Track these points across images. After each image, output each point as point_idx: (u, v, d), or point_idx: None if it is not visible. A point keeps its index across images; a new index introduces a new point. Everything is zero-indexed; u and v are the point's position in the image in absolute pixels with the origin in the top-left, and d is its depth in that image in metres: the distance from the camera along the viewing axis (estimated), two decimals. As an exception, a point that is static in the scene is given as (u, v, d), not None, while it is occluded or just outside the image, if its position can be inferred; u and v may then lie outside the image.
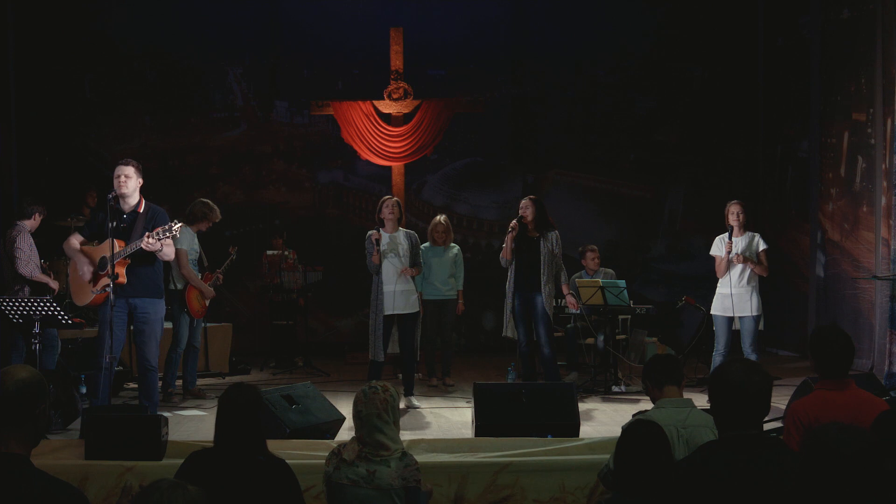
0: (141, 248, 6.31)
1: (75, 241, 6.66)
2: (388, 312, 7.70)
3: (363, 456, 3.86)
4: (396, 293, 7.72)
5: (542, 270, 7.93)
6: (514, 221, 7.99)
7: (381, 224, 7.85)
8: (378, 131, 10.31)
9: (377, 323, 7.70)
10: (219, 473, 3.43)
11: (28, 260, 7.76)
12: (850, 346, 4.02)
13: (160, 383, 7.96)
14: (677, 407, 3.96)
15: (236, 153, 12.06)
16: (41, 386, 2.82)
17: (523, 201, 8.18)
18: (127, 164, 6.56)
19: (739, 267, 7.93)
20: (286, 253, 10.45)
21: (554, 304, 8.24)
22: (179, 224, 6.46)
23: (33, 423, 2.79)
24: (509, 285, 8.03)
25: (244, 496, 3.40)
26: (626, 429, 3.34)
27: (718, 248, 8.07)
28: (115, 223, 6.44)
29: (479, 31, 11.93)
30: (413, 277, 7.88)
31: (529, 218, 8.01)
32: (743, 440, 3.02)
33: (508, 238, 7.96)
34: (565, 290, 8.26)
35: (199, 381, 8.63)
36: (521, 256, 7.98)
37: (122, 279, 6.39)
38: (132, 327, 6.70)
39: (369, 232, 7.84)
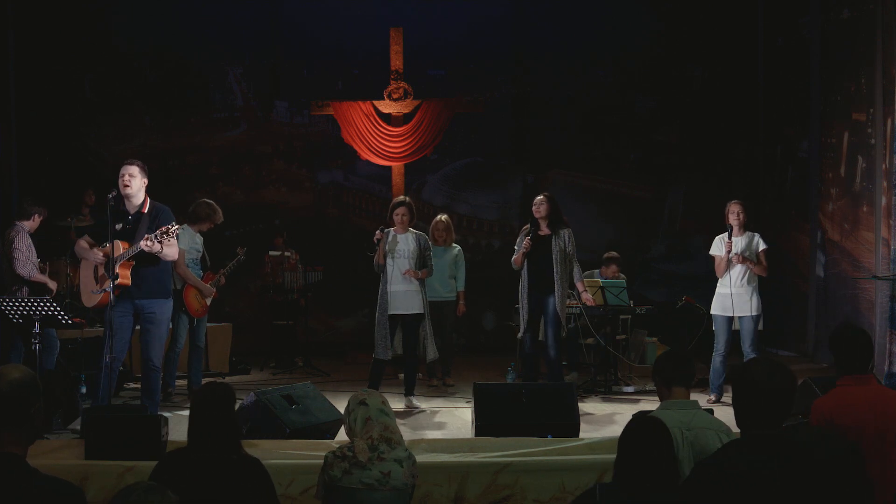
0: (141, 250, 6.30)
1: (84, 243, 6.66)
2: (390, 312, 7.71)
3: (375, 454, 3.83)
4: (399, 293, 7.71)
5: (554, 269, 7.87)
6: (527, 241, 7.87)
7: (392, 224, 7.85)
8: (378, 131, 10.31)
9: (381, 322, 7.71)
10: (193, 473, 3.42)
11: (26, 260, 7.76)
12: (870, 343, 4.12)
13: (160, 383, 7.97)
14: (682, 409, 3.94)
15: (236, 153, 12.06)
16: (34, 385, 2.82)
17: (538, 198, 8.09)
18: (132, 164, 6.56)
19: (739, 267, 7.94)
20: (287, 254, 10.44)
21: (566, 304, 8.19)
22: (178, 227, 6.47)
23: (29, 422, 2.79)
24: (522, 285, 7.99)
25: (218, 495, 3.39)
26: (629, 425, 3.33)
27: (718, 247, 8.08)
28: (120, 224, 6.44)
29: (479, 31, 11.93)
30: (420, 279, 7.82)
31: (543, 215, 7.97)
32: (765, 440, 3.01)
33: (521, 252, 7.89)
34: (580, 287, 8.20)
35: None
36: (533, 256, 7.93)
37: (126, 280, 6.37)
38: (138, 327, 6.69)
39: (377, 230, 7.85)
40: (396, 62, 10.30)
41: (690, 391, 4.17)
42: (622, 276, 9.44)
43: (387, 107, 10.34)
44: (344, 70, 11.82)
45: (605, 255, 9.70)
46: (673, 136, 12.19)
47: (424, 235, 8.02)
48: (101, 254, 6.49)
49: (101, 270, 6.53)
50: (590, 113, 12.10)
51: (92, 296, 6.59)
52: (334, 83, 11.81)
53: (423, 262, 7.84)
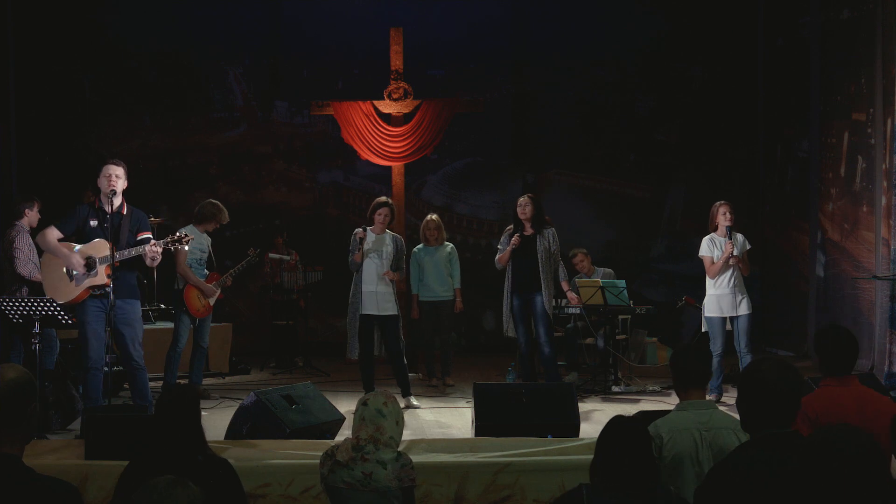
0: (143, 252, 6.32)
1: (53, 235, 6.51)
2: (365, 312, 7.70)
3: (359, 454, 3.82)
4: (374, 294, 7.71)
5: (540, 269, 7.91)
6: (517, 237, 7.93)
7: (371, 223, 7.86)
8: (378, 131, 10.31)
9: (353, 321, 7.71)
10: (158, 474, 3.42)
11: (27, 260, 7.75)
12: (853, 344, 4.10)
13: (161, 383, 7.98)
14: (699, 409, 3.91)
15: (236, 153, 12.06)
16: (30, 385, 2.81)
17: (522, 199, 8.15)
18: (118, 165, 6.54)
19: (732, 267, 7.96)
20: (286, 257, 10.43)
21: (554, 303, 8.23)
22: (191, 237, 6.51)
23: (25, 422, 2.78)
24: (507, 285, 8.03)
25: None
26: (608, 426, 3.31)
27: (709, 248, 8.06)
28: (96, 222, 6.44)
29: (479, 31, 11.93)
30: (393, 281, 7.84)
31: (529, 216, 8.01)
32: (778, 439, 3.00)
33: (509, 249, 7.93)
34: (565, 286, 8.24)
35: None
36: (518, 256, 7.97)
37: (108, 280, 6.37)
38: (110, 328, 6.64)
39: (356, 230, 7.84)
40: (396, 62, 10.30)
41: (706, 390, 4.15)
42: (606, 269, 9.48)
43: (387, 107, 10.34)
44: (344, 70, 11.82)
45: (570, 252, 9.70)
46: (673, 136, 12.19)
47: (400, 237, 8.03)
48: (82, 260, 6.43)
49: (79, 269, 6.47)
50: (590, 113, 12.09)
51: (66, 291, 6.49)
52: (334, 83, 11.81)
53: (397, 264, 7.85)
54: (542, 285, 7.91)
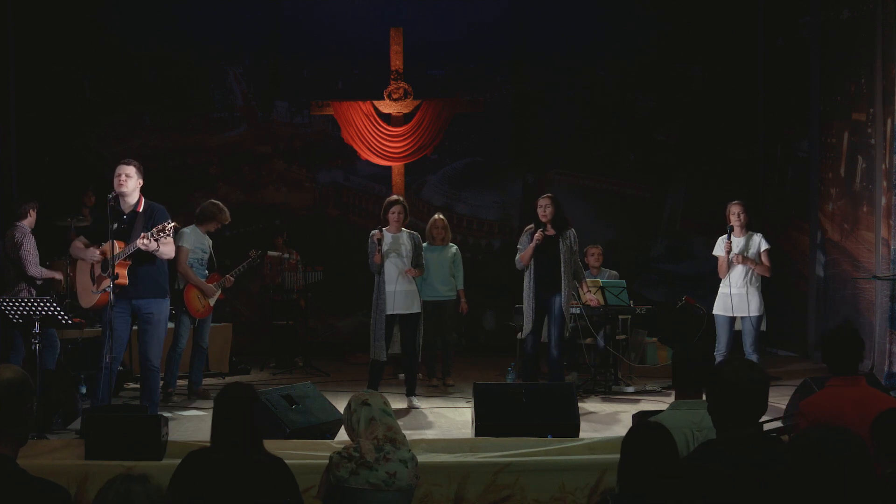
0: (138, 248, 6.30)
1: (80, 244, 6.68)
2: (389, 312, 7.69)
3: (381, 454, 3.82)
4: (398, 293, 7.70)
5: (562, 270, 7.84)
6: (540, 232, 7.85)
7: (385, 223, 7.84)
8: (378, 131, 10.31)
9: (378, 322, 7.69)
10: (216, 473, 3.42)
11: (35, 262, 7.79)
12: (859, 344, 4.13)
13: (161, 383, 7.97)
14: (692, 409, 3.91)
15: (236, 153, 12.06)
16: (27, 386, 2.80)
17: (542, 200, 8.01)
18: (128, 164, 6.56)
19: (741, 267, 7.95)
20: (286, 255, 10.43)
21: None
22: (173, 224, 6.48)
23: (20, 424, 2.77)
24: (528, 285, 7.93)
25: (241, 495, 3.39)
26: (632, 431, 3.30)
27: (720, 248, 8.10)
28: (115, 224, 6.43)
29: (478, 31, 11.92)
30: (414, 278, 7.87)
31: (550, 217, 7.93)
32: (742, 440, 3.02)
33: (532, 245, 7.85)
34: (584, 287, 8.22)
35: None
36: (539, 257, 7.89)
37: (124, 280, 6.38)
38: (135, 328, 6.70)
39: (372, 231, 7.83)
40: (396, 62, 10.31)
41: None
42: (612, 271, 9.46)
43: (387, 107, 10.35)
44: (344, 70, 11.82)
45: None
46: (673, 136, 12.19)
47: (416, 234, 8.02)
48: (98, 252, 6.50)
49: (98, 271, 6.53)
50: (589, 113, 12.09)
51: (89, 296, 6.59)
52: (334, 83, 11.81)
53: (417, 260, 7.86)
54: (563, 286, 7.82)
